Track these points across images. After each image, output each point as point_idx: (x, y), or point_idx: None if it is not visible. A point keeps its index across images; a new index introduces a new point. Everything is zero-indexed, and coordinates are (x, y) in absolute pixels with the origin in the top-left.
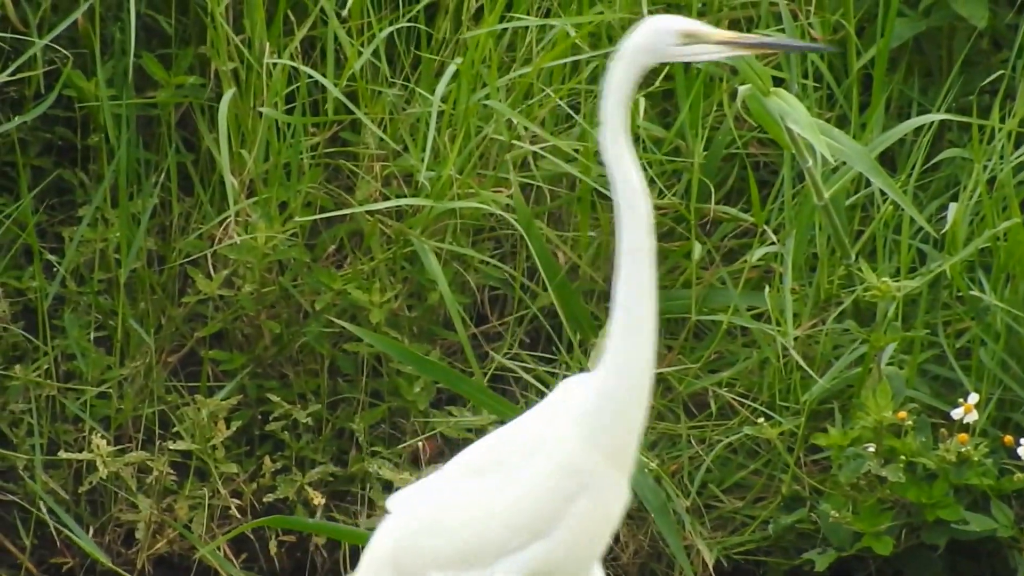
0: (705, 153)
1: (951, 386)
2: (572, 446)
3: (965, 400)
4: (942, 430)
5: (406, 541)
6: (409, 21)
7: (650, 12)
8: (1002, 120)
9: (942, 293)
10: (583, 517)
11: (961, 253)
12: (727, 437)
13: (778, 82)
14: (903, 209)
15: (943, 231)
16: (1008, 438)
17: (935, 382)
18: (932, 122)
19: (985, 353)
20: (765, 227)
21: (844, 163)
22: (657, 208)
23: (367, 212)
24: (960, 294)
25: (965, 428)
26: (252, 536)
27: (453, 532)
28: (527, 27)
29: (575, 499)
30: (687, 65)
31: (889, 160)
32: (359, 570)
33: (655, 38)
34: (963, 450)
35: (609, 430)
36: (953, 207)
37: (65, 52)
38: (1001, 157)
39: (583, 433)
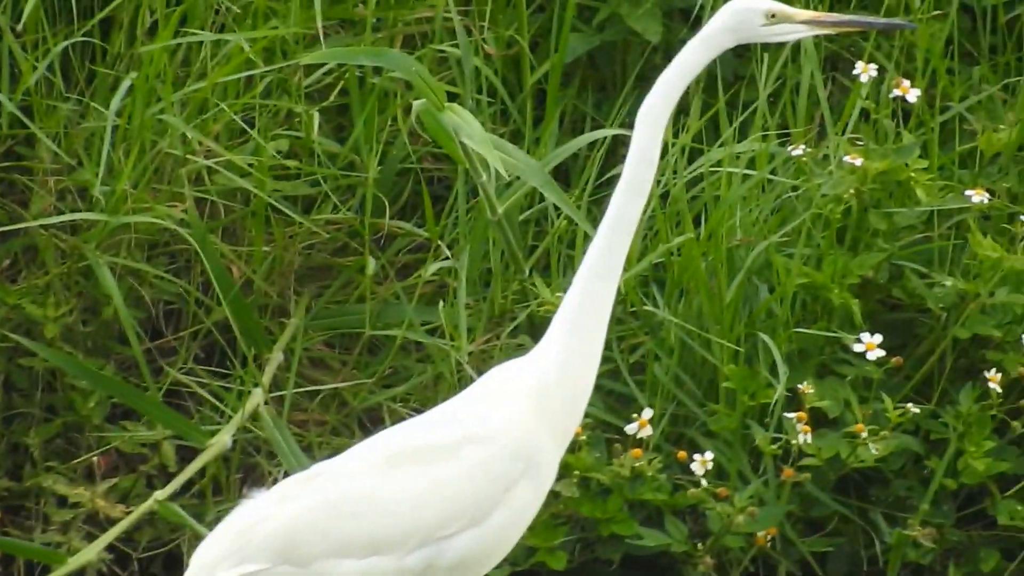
0: (379, 168)
1: (625, 401)
2: (523, 427)
3: (639, 415)
4: (616, 445)
5: (309, 525)
6: (84, 36)
7: (324, 27)
8: (675, 135)
9: (616, 308)
10: (519, 503)
11: (635, 268)
12: None
13: (452, 97)
14: (577, 224)
15: None
16: (682, 453)
17: (609, 397)
18: (606, 137)
19: (659, 368)
20: (439, 242)
21: (518, 178)
22: (331, 223)
23: (41, 226)
24: (634, 309)
25: (639, 443)
26: None
27: (372, 518)
28: (202, 42)
29: (515, 484)
30: (362, 80)
31: (563, 175)
32: (203, 560)
33: (743, 17)
34: (637, 465)
35: (563, 406)
36: None
37: None
38: (675, 172)
39: (536, 411)
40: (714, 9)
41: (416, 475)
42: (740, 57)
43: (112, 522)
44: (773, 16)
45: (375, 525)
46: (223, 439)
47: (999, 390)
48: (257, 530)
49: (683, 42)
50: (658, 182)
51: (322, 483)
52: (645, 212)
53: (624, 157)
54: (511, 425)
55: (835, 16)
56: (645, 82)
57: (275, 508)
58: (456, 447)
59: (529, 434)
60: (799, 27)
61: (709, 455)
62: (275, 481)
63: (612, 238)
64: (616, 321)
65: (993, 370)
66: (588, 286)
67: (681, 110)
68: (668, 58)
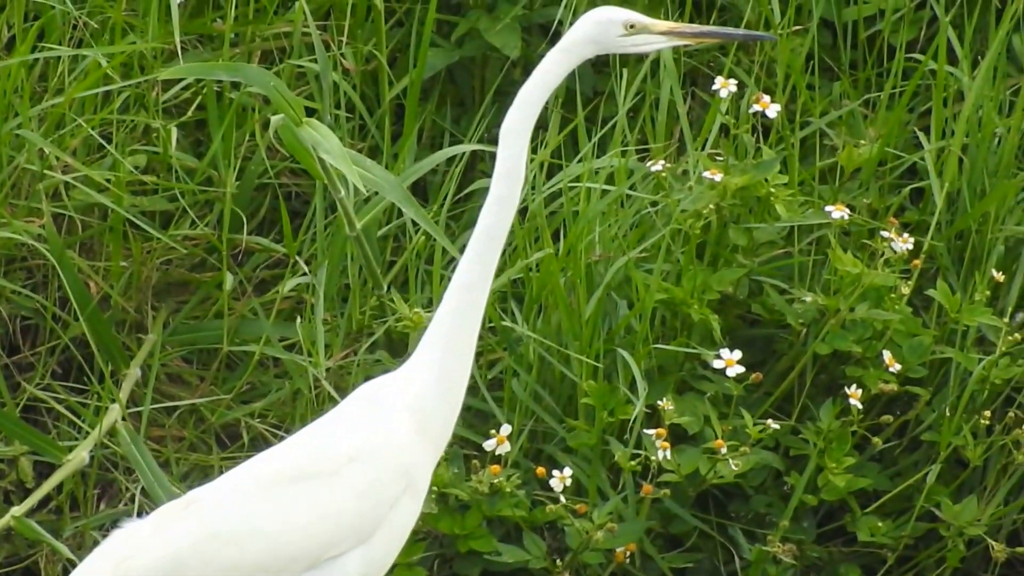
0: (237, 183)
1: (483, 417)
2: (404, 444)
3: (497, 431)
4: (474, 461)
5: (191, 554)
6: None
7: (182, 42)
8: (535, 151)
9: None
10: (402, 519)
11: (494, 284)
12: None
13: (310, 112)
14: (435, 239)
15: None
16: (540, 469)
17: (468, 413)
18: (464, 152)
19: (517, 384)
20: (297, 258)
21: (376, 193)
22: (189, 239)
23: None
24: (492, 324)
25: (497, 459)
26: None
27: (256, 543)
28: (59, 57)
29: (398, 501)
30: (220, 94)
31: (421, 190)
32: None
33: (602, 29)
34: (496, 481)
35: (441, 421)
36: None
37: None
38: (533, 188)
39: (417, 427)
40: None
41: (300, 497)
42: (599, 72)
43: None
44: (632, 27)
45: (260, 551)
46: (80, 455)
47: (859, 406)
48: (134, 562)
49: (542, 57)
50: None
51: (200, 510)
52: None
53: (483, 172)
54: (393, 443)
55: (695, 27)
56: (504, 97)
57: (152, 538)
58: (339, 467)
59: (410, 451)
60: (658, 38)
61: (568, 471)
62: (132, 497)
63: (481, 253)
64: None
65: (853, 386)
66: (459, 301)
67: (540, 126)
68: (527, 73)
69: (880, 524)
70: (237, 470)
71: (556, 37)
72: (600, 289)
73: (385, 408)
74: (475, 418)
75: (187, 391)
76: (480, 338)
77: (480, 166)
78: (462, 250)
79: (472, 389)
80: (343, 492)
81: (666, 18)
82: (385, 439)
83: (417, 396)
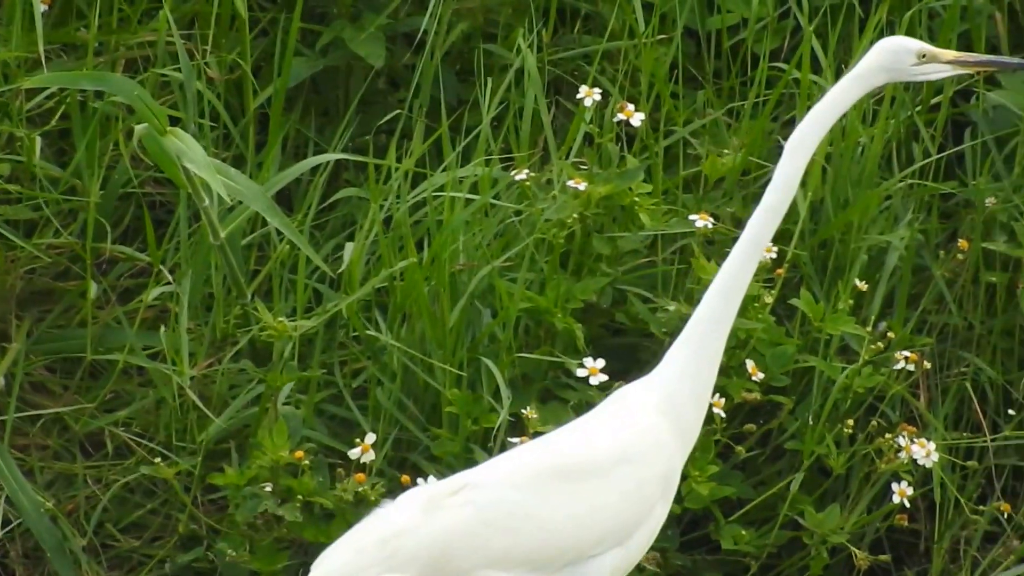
0: (101, 192)
1: (348, 425)
2: (667, 448)
3: (362, 440)
4: (339, 470)
5: (464, 537)
6: None
7: (46, 51)
8: (399, 160)
9: (339, 332)
10: (656, 521)
11: (358, 293)
12: (124, 477)
13: (175, 121)
14: (300, 248)
15: (340, 271)
16: (405, 477)
17: (332, 421)
18: (329, 161)
19: (382, 393)
20: (161, 267)
21: (240, 202)
22: (53, 247)
23: None
24: (356, 333)
25: (362, 468)
26: None
27: (531, 534)
28: None
29: (656, 504)
30: (84, 104)
31: (286, 199)
32: (335, 568)
33: (897, 58)
34: (360, 490)
35: (693, 417)
36: (349, 247)
37: None
38: (397, 197)
39: (674, 431)
40: (438, 34)
41: (573, 494)
42: (463, 81)
43: None
44: (923, 56)
45: (532, 543)
46: None
47: (723, 415)
48: (405, 540)
49: (406, 67)
50: (381, 206)
51: (474, 495)
52: (367, 237)
53: (348, 182)
54: (658, 446)
55: (976, 56)
56: (368, 106)
57: (423, 518)
58: (610, 467)
59: (671, 454)
60: (945, 67)
61: (432, 479)
62: None
63: (744, 259)
64: (339, 346)
65: (716, 395)
66: (715, 304)
67: (404, 135)
68: (391, 82)
69: (744, 532)
70: (506, 459)
71: (421, 47)
72: (464, 298)
73: (645, 412)
74: (339, 427)
75: (51, 400)
76: (344, 347)
77: (344, 175)
78: (326, 259)
79: (336, 398)
80: (613, 491)
81: (531, 26)
82: (652, 442)
83: (672, 400)
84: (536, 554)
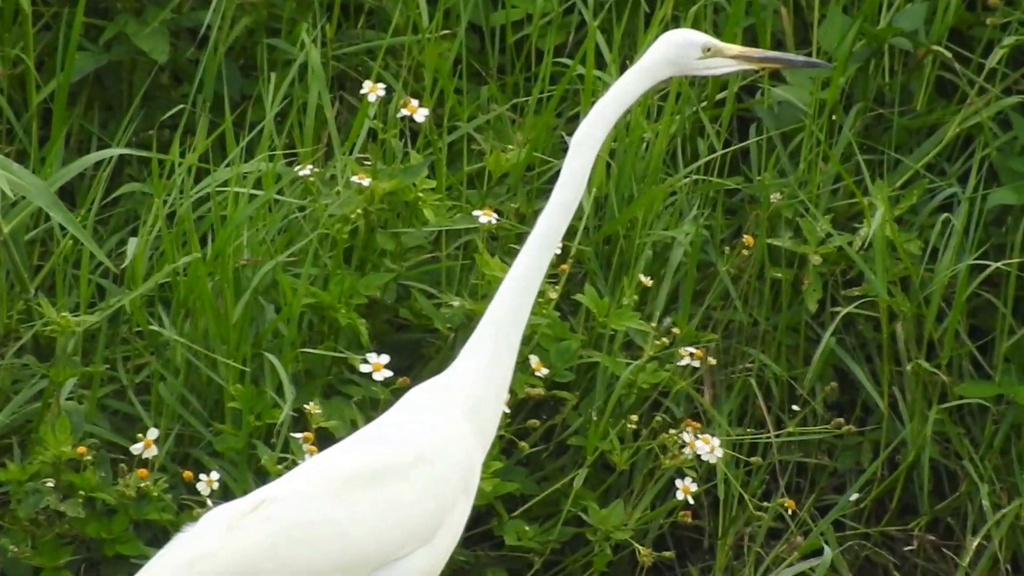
0: None
1: (131, 421)
2: (465, 444)
3: (144, 435)
4: (122, 465)
5: (268, 553)
6: None
7: None
8: (182, 155)
9: (122, 328)
10: (459, 517)
11: (141, 288)
12: None
13: None
14: (83, 243)
15: (123, 266)
16: (188, 473)
17: (115, 417)
18: (112, 156)
19: (165, 388)
20: None
21: (23, 198)
22: None
23: None
24: (140, 329)
25: (144, 463)
26: None
27: (333, 543)
28: None
29: (457, 500)
30: None
31: (69, 194)
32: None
33: (681, 51)
34: (143, 485)
35: (492, 418)
36: (133, 242)
37: None
38: (181, 192)
39: (473, 427)
40: (222, 29)
41: (373, 498)
42: (247, 76)
43: None
44: (708, 50)
45: (335, 551)
46: None
47: (506, 410)
48: (210, 561)
49: (190, 61)
50: (164, 202)
51: (273, 510)
52: (151, 232)
53: (131, 176)
54: (455, 443)
55: (760, 52)
56: (152, 101)
57: (225, 538)
58: (408, 468)
59: (470, 451)
60: (730, 61)
61: (215, 475)
62: None
63: (535, 255)
64: (122, 341)
65: None
66: (512, 301)
67: (188, 130)
68: (175, 77)
69: (527, 528)
70: (303, 469)
71: (204, 41)
72: (248, 293)
73: (442, 411)
74: (122, 422)
75: None
76: (127, 342)
77: (127, 170)
78: (110, 254)
79: (119, 393)
80: (412, 492)
81: (315, 21)
82: (450, 439)
83: (468, 396)
84: (342, 562)
